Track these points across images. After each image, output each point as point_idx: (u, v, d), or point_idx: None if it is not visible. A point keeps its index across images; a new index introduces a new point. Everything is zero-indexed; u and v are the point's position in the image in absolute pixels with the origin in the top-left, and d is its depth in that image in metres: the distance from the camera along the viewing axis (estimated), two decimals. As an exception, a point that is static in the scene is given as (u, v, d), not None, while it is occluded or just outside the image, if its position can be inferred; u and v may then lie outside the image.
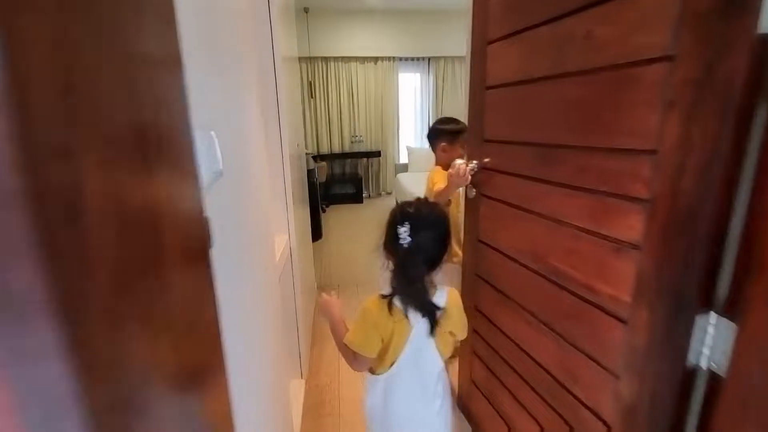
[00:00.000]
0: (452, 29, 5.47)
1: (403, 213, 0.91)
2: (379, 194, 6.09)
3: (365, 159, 5.88)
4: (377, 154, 5.79)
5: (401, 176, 5.34)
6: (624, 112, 0.77)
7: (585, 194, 0.88)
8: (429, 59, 5.71)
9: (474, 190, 1.34)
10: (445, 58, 5.66)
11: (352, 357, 0.97)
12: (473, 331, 1.42)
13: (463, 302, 1.05)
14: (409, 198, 0.99)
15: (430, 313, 0.93)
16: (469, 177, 1.33)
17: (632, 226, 0.76)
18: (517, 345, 1.18)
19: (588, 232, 0.87)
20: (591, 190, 0.86)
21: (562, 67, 0.91)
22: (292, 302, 1.60)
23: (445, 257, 0.95)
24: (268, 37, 1.30)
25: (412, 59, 5.69)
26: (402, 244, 0.89)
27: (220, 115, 0.70)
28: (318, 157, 5.44)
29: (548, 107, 0.97)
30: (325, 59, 5.45)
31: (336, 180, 5.75)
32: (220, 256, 0.53)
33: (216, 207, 0.59)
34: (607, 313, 0.84)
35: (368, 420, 1.07)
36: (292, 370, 1.69)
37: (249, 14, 1.01)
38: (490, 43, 1.18)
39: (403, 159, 6.04)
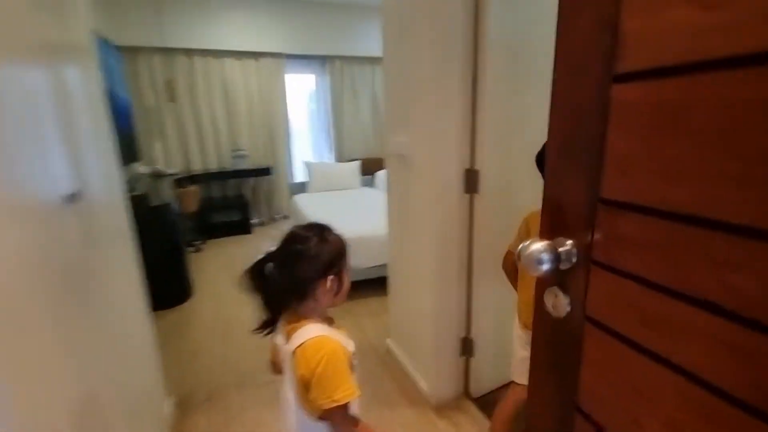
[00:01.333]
0: (351, 26, 4.70)
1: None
2: (274, 219, 4.99)
3: (252, 178, 4.74)
4: (266, 171, 4.69)
5: (298, 198, 4.34)
6: None
7: None
8: (324, 58, 4.83)
9: (567, 299, 0.54)
10: (342, 58, 4.83)
11: None
12: None
13: None
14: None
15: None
16: None
17: None
18: None
19: None
20: None
21: None
22: None
23: (314, 292, 0.88)
24: None
25: (303, 57, 4.74)
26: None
27: None
28: (187, 179, 4.16)
29: None
30: (189, 52, 4.20)
31: (215, 206, 4.50)
32: None
33: None
34: None
35: None
36: None
37: None
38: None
39: (300, 177, 5.05)
